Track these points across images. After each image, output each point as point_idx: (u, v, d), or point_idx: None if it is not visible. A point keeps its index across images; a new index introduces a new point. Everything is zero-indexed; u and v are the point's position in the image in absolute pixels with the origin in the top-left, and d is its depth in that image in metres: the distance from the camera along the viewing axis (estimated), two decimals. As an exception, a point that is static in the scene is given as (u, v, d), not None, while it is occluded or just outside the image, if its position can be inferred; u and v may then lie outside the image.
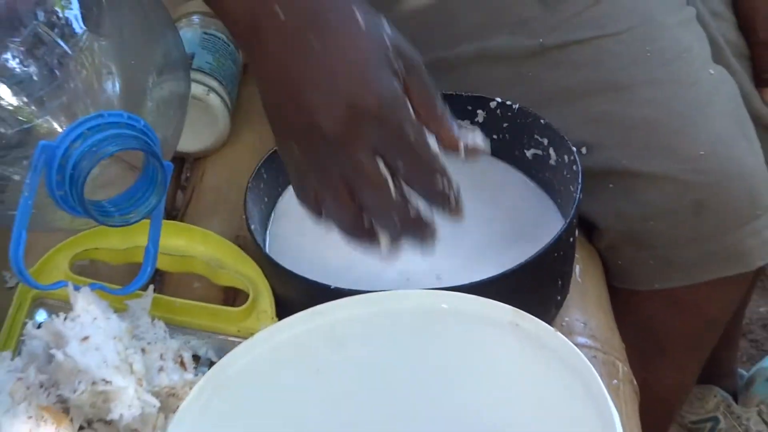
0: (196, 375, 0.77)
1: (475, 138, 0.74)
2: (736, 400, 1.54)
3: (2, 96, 0.76)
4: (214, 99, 1.03)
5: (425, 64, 0.98)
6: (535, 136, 0.94)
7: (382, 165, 0.71)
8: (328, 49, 0.70)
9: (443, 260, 0.89)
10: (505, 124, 0.95)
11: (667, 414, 1.36)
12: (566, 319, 0.94)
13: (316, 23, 0.71)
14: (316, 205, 0.77)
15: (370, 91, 0.70)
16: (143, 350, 0.76)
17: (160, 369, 0.76)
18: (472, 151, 0.74)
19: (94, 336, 0.74)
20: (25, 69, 0.76)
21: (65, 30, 0.78)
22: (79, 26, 0.79)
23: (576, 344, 0.70)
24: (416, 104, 0.72)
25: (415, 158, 0.72)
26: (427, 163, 0.72)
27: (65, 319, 0.75)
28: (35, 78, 0.77)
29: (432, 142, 0.72)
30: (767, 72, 1.14)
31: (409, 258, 0.84)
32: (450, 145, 0.73)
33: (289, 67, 0.72)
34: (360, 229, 0.76)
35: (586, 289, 0.99)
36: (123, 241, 0.87)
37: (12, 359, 0.77)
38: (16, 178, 0.77)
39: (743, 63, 1.14)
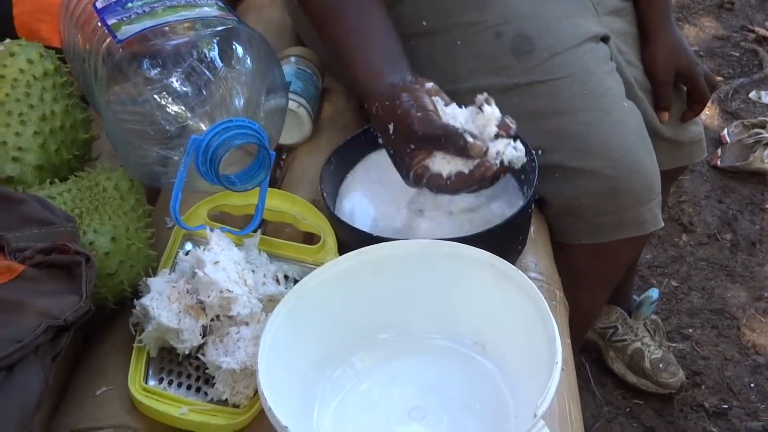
0: (285, 288, 0.77)
1: None
2: (630, 315, 1.53)
3: (168, 105, 0.76)
4: (302, 111, 1.02)
5: None
6: (509, 142, 0.92)
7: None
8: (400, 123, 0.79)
9: (443, 223, 0.88)
10: (489, 134, 0.94)
11: (586, 325, 1.35)
12: (523, 261, 0.93)
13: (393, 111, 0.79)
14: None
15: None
16: (253, 271, 0.77)
17: (263, 283, 0.76)
18: None
19: (222, 261, 0.74)
20: (184, 88, 0.77)
21: (210, 64, 0.78)
22: (218, 62, 0.79)
23: (530, 278, 0.70)
24: None
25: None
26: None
27: (204, 249, 0.75)
28: (190, 94, 0.77)
29: None
30: (662, 101, 1.12)
31: (426, 216, 0.86)
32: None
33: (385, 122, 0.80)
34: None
35: (537, 242, 0.98)
36: (242, 201, 0.87)
37: (169, 274, 0.78)
38: (176, 158, 0.78)
39: (647, 95, 1.11)
